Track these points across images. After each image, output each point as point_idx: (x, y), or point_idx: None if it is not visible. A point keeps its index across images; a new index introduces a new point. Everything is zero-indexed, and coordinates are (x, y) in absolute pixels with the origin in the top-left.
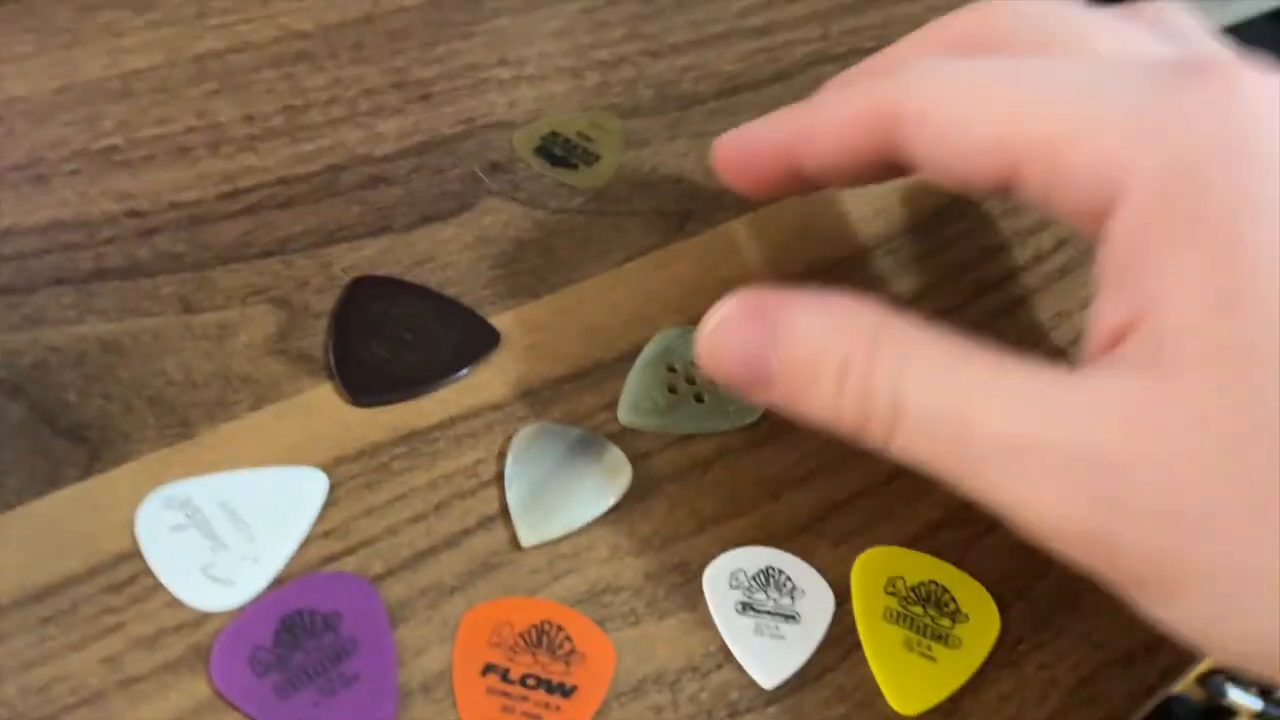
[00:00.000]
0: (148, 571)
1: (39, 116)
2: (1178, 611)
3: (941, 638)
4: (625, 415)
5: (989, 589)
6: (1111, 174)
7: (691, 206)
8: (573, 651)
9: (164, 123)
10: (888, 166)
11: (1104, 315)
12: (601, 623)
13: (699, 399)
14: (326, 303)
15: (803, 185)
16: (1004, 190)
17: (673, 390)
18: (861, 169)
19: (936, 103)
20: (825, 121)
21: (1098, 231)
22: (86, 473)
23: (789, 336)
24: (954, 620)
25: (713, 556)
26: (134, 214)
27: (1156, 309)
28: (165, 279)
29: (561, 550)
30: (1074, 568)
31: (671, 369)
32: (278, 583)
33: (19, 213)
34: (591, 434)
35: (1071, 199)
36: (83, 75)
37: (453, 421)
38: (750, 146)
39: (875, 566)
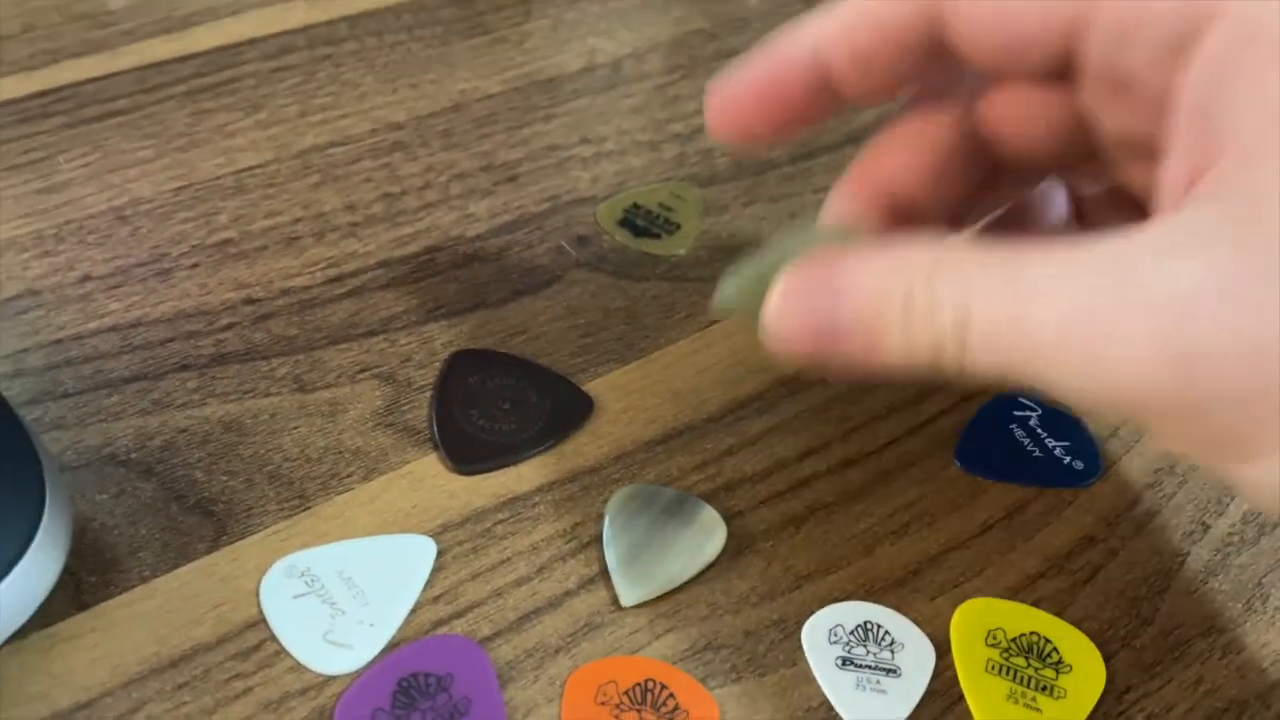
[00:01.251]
0: (273, 638)
1: (161, 216)
2: (1262, 467)
3: (1046, 689)
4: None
5: (1092, 638)
6: (1197, 7)
7: None
8: (677, 708)
9: (273, 215)
10: (926, 62)
11: (1175, 168)
12: (704, 680)
13: None
14: (429, 377)
15: (821, 111)
16: (1055, 66)
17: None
18: (899, 66)
19: None
20: (855, 18)
21: (1165, 89)
22: (214, 546)
23: (849, 292)
24: (1057, 671)
25: (810, 612)
26: (250, 301)
27: (1239, 136)
28: (280, 360)
29: (661, 609)
30: (1166, 450)
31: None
32: (393, 646)
33: (146, 305)
34: (685, 494)
35: (1146, 50)
36: (198, 175)
37: (551, 486)
38: (771, 73)
39: (974, 618)
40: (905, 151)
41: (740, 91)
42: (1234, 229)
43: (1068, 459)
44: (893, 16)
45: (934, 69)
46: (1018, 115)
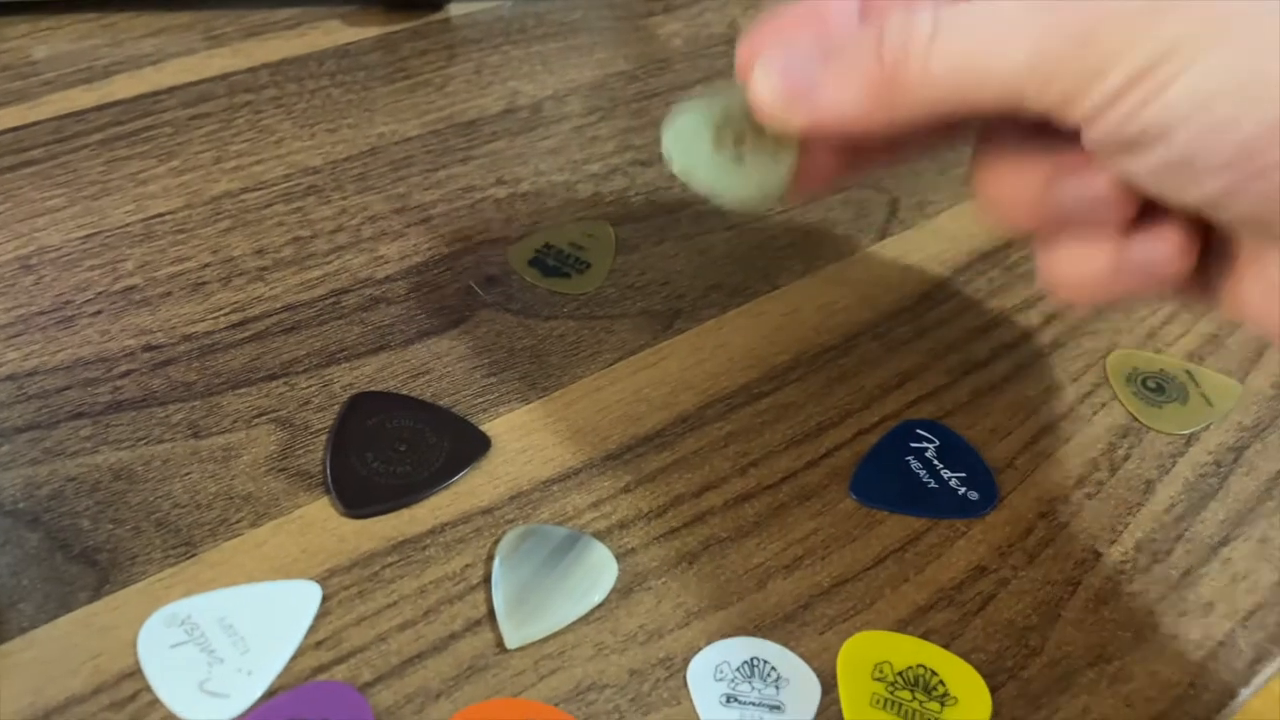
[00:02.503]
0: (148, 688)
1: (67, 263)
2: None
3: None
4: (677, 157)
5: (980, 669)
6: None
7: (679, 305)
8: None
9: (181, 261)
10: None
11: None
12: None
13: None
14: (327, 420)
15: None
16: None
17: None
18: None
19: None
20: None
21: None
22: (96, 595)
23: (836, 41)
24: (943, 704)
25: (698, 649)
26: (149, 348)
27: None
28: (176, 407)
29: (547, 650)
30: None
31: (721, 127)
32: (271, 694)
33: (44, 353)
34: (578, 533)
35: None
36: (108, 222)
37: (443, 528)
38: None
39: (861, 652)
40: None
41: (780, 23)
42: None
43: (963, 490)
44: None
45: None
46: None
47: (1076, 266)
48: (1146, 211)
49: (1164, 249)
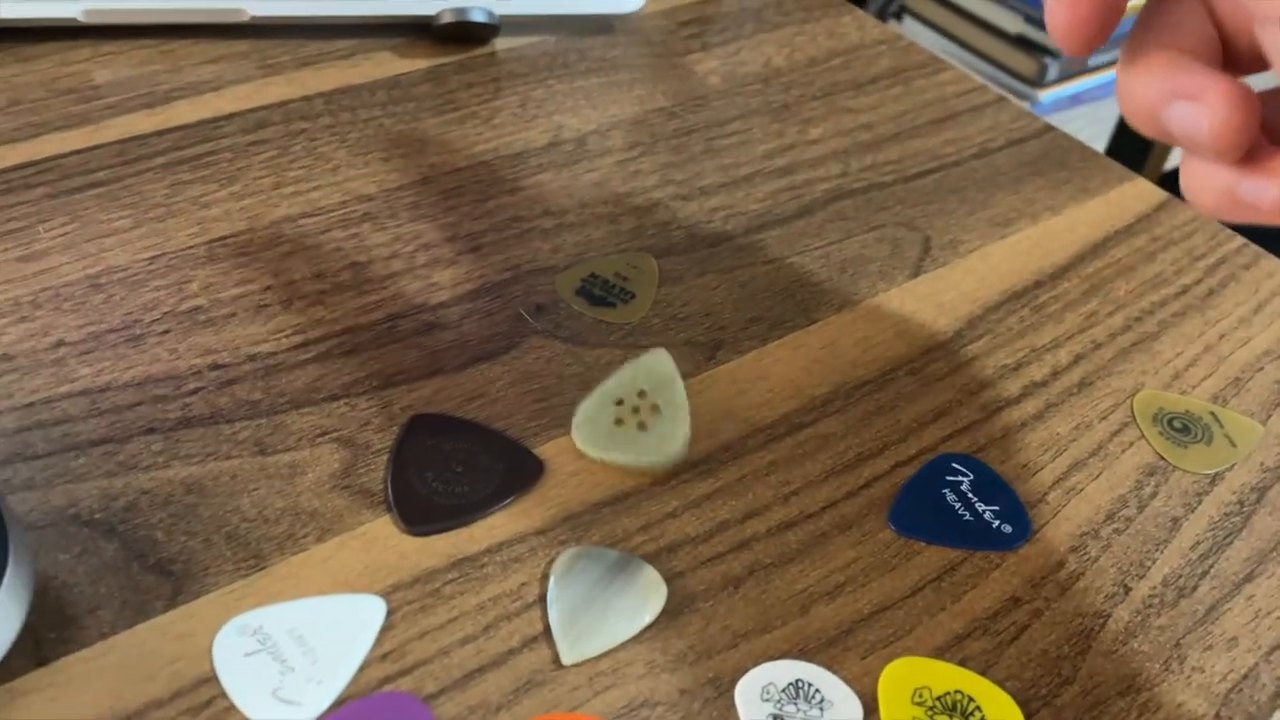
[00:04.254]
0: (223, 694)
1: (134, 283)
2: None
3: None
4: (583, 443)
5: (1014, 697)
6: None
7: (721, 336)
8: None
9: (244, 283)
10: None
11: None
12: None
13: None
14: (386, 440)
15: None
16: None
17: (619, 422)
18: None
19: None
20: None
21: None
22: (171, 604)
23: None
24: None
25: (744, 670)
26: (216, 366)
27: None
28: (243, 424)
29: (601, 667)
30: None
31: (619, 403)
32: (340, 703)
33: (115, 370)
34: (628, 555)
35: None
36: (173, 244)
37: (500, 547)
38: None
39: (902, 677)
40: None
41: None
42: None
43: (997, 523)
44: None
45: None
46: None
47: (1198, 182)
48: (1261, 153)
49: (1271, 194)
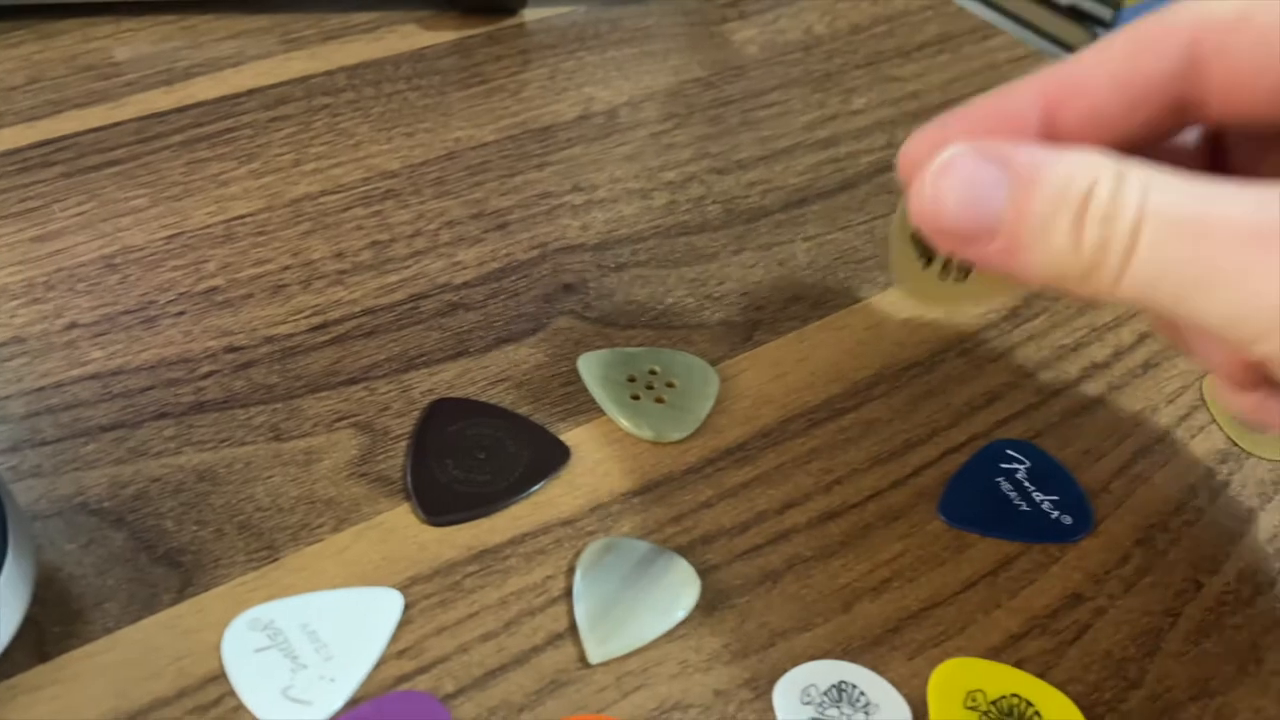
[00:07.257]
0: (232, 693)
1: (150, 264)
2: None
3: None
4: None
5: (1076, 701)
6: None
7: (759, 317)
8: None
9: (262, 263)
10: (1166, 111)
11: None
12: None
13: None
14: (406, 425)
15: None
16: None
17: (635, 398)
18: (1136, 116)
19: (1247, 18)
20: (1095, 65)
21: None
22: (180, 597)
23: (1031, 175)
24: None
25: (783, 671)
26: (232, 349)
27: None
28: (258, 409)
29: (629, 666)
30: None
31: (631, 379)
32: (354, 702)
33: (128, 353)
34: (659, 547)
35: None
36: (190, 223)
37: (523, 538)
38: (985, 123)
39: (953, 679)
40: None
41: (951, 129)
42: None
43: (1056, 513)
44: (1143, 72)
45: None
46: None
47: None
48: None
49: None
